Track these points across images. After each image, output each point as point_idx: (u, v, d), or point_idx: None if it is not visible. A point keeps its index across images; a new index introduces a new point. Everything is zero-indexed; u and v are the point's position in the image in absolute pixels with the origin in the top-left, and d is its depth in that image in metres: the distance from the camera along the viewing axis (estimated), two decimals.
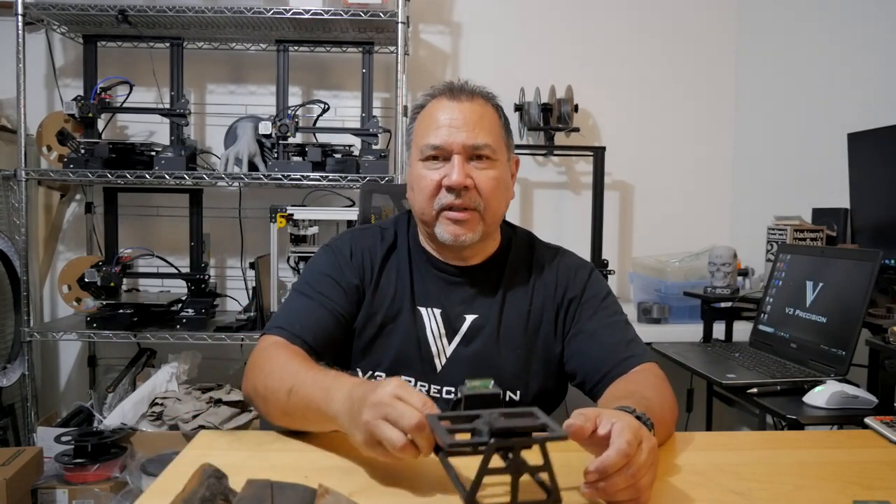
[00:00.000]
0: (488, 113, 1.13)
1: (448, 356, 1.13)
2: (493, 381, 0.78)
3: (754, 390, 1.40)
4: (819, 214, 2.05)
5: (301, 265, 2.39)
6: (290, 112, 2.44)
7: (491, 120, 1.13)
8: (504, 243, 1.21)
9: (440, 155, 1.09)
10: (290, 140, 2.43)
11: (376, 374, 1.14)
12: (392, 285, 1.16)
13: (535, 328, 1.16)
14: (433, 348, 1.13)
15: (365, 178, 2.34)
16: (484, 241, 1.15)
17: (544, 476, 0.70)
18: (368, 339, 1.14)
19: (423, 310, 1.15)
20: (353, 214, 2.33)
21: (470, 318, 1.14)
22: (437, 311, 1.15)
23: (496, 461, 0.67)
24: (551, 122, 2.62)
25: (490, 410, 0.70)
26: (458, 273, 1.17)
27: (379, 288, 1.16)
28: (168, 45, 2.54)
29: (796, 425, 1.26)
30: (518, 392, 1.13)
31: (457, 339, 1.14)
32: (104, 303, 2.40)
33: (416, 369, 1.13)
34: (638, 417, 0.80)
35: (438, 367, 1.13)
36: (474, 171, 1.09)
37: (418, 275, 1.17)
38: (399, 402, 0.73)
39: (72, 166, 2.37)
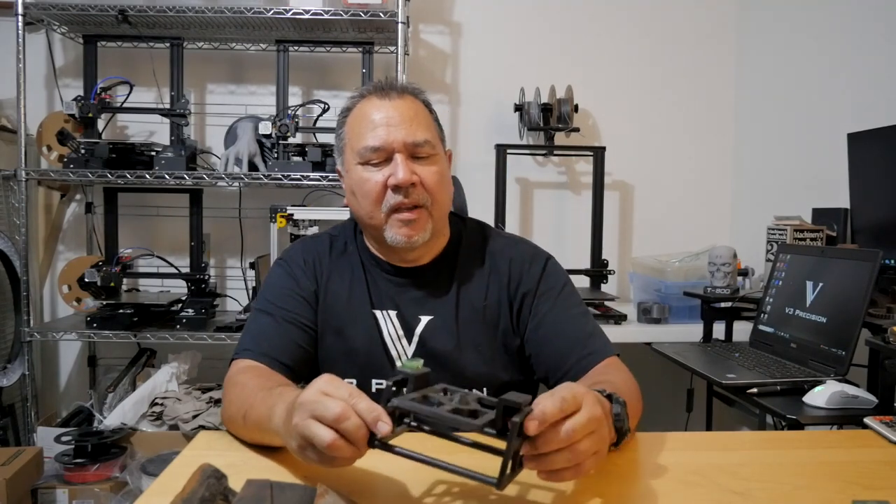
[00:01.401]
0: (421, 109, 1.11)
1: (409, 358, 1.11)
2: (421, 360, 0.78)
3: (754, 390, 1.40)
4: (819, 214, 2.05)
5: None
6: (290, 112, 2.44)
7: (425, 116, 1.11)
8: (454, 238, 1.18)
9: (380, 156, 1.07)
10: (290, 140, 2.43)
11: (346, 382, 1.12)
12: (346, 290, 1.14)
13: (493, 322, 1.14)
14: (393, 351, 1.12)
15: None
16: (433, 239, 1.12)
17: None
18: (330, 347, 1.12)
19: (378, 313, 1.13)
20: None
21: (425, 319, 1.13)
22: (393, 313, 1.13)
23: (476, 437, 0.68)
24: (551, 122, 2.62)
25: (446, 389, 0.72)
26: (409, 274, 1.15)
27: (330, 293, 1.14)
28: (168, 45, 2.54)
29: (796, 425, 1.26)
30: (485, 389, 1.12)
31: (415, 339, 1.12)
32: (104, 303, 2.40)
33: (385, 374, 1.09)
34: (608, 396, 0.81)
35: None
36: (417, 167, 1.07)
37: (371, 279, 1.15)
38: (325, 396, 0.70)
39: (72, 166, 2.37)
